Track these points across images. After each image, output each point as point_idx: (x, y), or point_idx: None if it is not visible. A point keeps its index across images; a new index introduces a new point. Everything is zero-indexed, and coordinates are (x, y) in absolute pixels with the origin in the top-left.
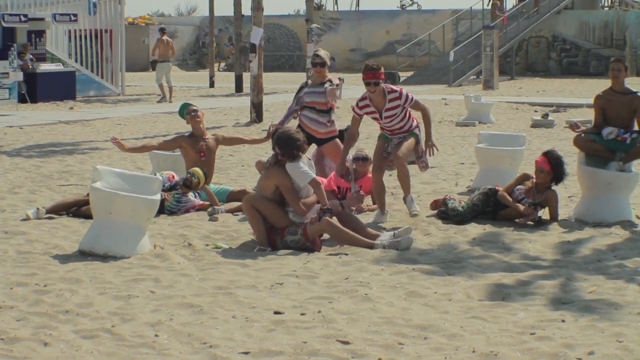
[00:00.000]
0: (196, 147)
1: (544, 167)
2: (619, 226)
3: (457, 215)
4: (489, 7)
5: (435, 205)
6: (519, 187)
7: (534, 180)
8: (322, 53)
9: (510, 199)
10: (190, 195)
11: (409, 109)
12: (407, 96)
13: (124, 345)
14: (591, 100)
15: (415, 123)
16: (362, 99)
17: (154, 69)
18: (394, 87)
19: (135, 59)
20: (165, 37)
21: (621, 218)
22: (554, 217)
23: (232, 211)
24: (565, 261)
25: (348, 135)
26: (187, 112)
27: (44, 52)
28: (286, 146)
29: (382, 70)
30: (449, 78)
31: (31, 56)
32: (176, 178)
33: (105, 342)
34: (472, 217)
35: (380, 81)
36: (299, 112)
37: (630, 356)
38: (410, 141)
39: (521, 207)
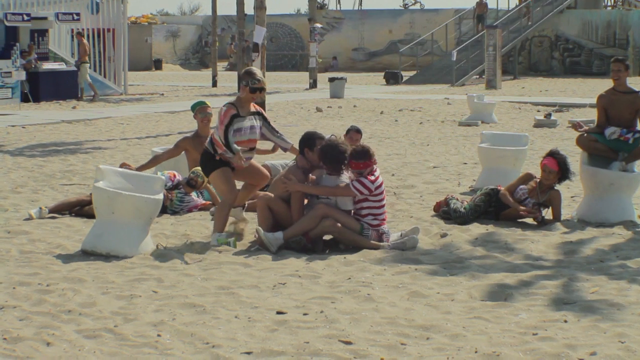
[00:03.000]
0: (200, 148)
1: (552, 168)
2: (622, 226)
3: (459, 217)
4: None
5: (438, 207)
6: (522, 187)
7: (537, 180)
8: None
9: (511, 199)
10: (193, 194)
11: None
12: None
13: (127, 345)
14: (594, 100)
15: None
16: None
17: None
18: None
19: (137, 58)
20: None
21: (624, 218)
22: (557, 217)
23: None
24: (567, 261)
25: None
26: (200, 110)
27: (47, 52)
28: (332, 159)
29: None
30: (452, 77)
31: (36, 55)
32: (178, 177)
33: (108, 341)
34: (474, 218)
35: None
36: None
37: (632, 357)
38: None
39: (522, 208)
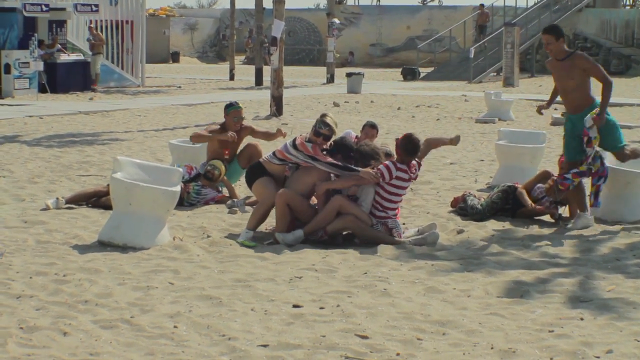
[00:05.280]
0: (223, 144)
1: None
2: (638, 225)
3: (476, 214)
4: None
5: (455, 202)
6: (539, 185)
7: (554, 179)
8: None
9: (528, 199)
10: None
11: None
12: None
13: (143, 335)
14: (612, 99)
15: None
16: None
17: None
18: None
19: (155, 50)
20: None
21: None
22: (574, 215)
23: (251, 204)
24: (584, 259)
25: None
26: (234, 114)
27: (65, 43)
28: (365, 158)
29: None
30: (469, 74)
31: (59, 46)
32: (195, 170)
33: (124, 332)
34: (491, 215)
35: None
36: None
37: None
38: None
39: (538, 208)
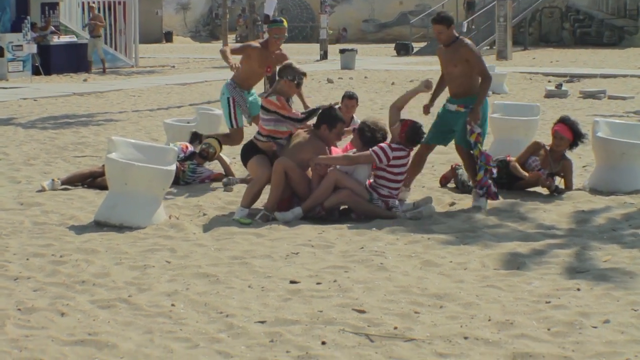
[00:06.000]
0: (263, 62)
1: (564, 135)
2: (634, 195)
3: (468, 190)
4: None
5: (444, 180)
6: (534, 157)
7: (547, 148)
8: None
9: (522, 171)
10: (206, 165)
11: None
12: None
13: (141, 314)
14: (605, 70)
15: None
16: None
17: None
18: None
19: (148, 30)
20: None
21: (636, 187)
22: (569, 186)
23: (247, 181)
24: (580, 230)
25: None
26: (277, 30)
27: (58, 25)
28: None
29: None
30: None
31: (53, 28)
32: (190, 148)
33: (122, 311)
34: None
35: None
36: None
37: None
38: None
39: (532, 174)
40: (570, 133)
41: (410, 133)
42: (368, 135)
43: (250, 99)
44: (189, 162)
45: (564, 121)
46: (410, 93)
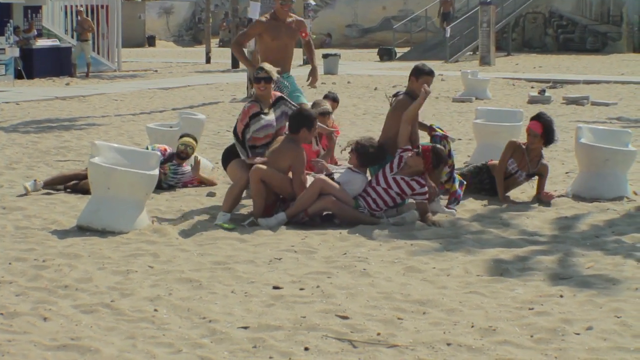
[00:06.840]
0: (275, 32)
1: (536, 131)
2: (617, 202)
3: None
4: None
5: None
6: (511, 160)
7: (524, 147)
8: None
9: (501, 183)
10: (186, 164)
11: None
12: None
13: (124, 319)
14: (588, 77)
15: None
16: None
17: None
18: None
19: (131, 35)
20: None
21: (619, 194)
22: (540, 191)
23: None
24: (563, 237)
25: None
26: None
27: (40, 28)
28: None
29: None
30: (446, 54)
31: (36, 32)
32: (169, 150)
33: (105, 316)
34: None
35: None
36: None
37: (628, 331)
38: None
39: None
40: (541, 129)
41: (436, 160)
42: (363, 152)
43: (286, 83)
44: (169, 163)
45: (538, 117)
46: (416, 106)
